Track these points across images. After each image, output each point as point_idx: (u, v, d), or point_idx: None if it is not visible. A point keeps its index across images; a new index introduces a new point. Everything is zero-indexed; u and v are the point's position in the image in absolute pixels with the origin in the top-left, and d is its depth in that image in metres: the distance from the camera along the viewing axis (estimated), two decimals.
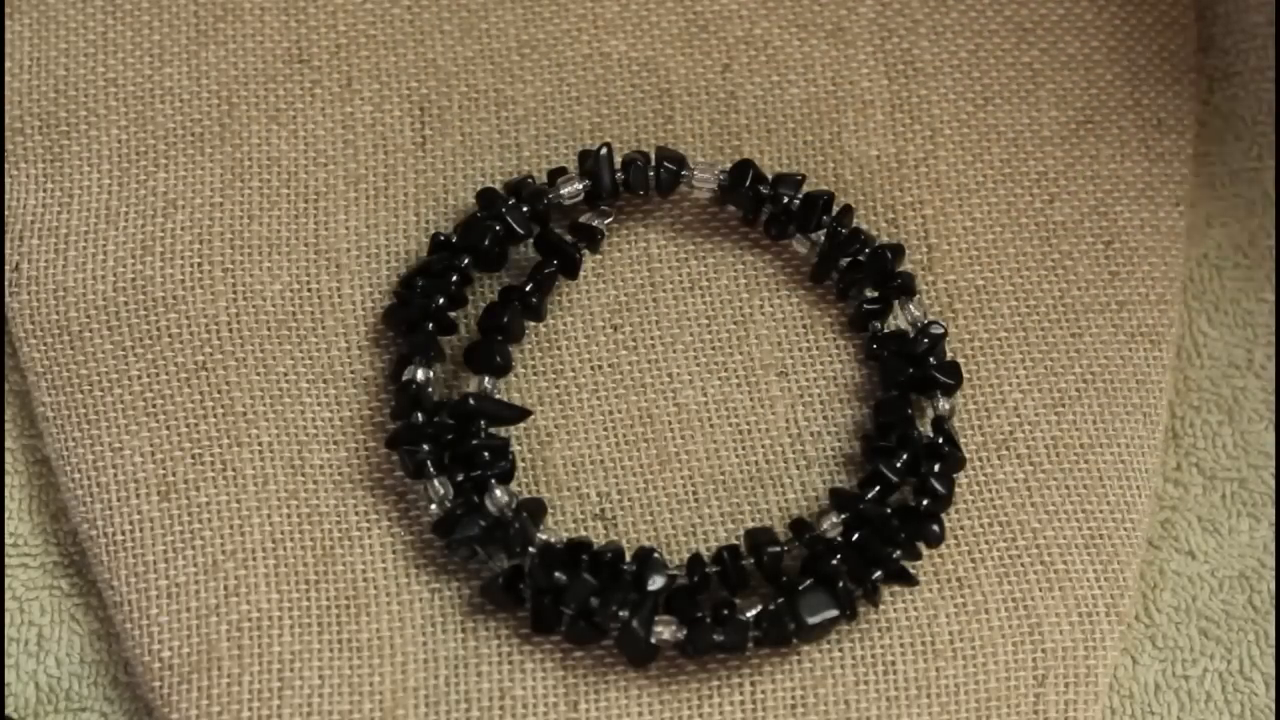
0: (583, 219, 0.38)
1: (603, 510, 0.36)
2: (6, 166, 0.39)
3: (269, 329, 0.38)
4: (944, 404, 0.36)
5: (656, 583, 0.34)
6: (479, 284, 0.38)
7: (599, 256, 0.38)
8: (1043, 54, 0.40)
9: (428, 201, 0.39)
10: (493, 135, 0.40)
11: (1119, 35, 0.40)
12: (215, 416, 0.37)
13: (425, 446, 0.35)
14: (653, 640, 0.34)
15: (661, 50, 0.40)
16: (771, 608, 0.34)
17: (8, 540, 0.37)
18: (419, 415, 0.35)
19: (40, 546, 0.37)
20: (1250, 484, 0.38)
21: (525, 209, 0.37)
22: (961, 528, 0.36)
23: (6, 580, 0.37)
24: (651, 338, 0.38)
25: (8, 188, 0.39)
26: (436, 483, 0.35)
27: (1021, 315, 0.38)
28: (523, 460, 0.37)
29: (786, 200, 0.37)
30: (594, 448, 0.37)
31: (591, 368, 0.38)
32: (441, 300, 0.36)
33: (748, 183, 0.37)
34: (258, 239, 0.38)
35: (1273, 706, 0.36)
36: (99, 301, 0.38)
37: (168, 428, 0.37)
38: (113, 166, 0.39)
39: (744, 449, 0.37)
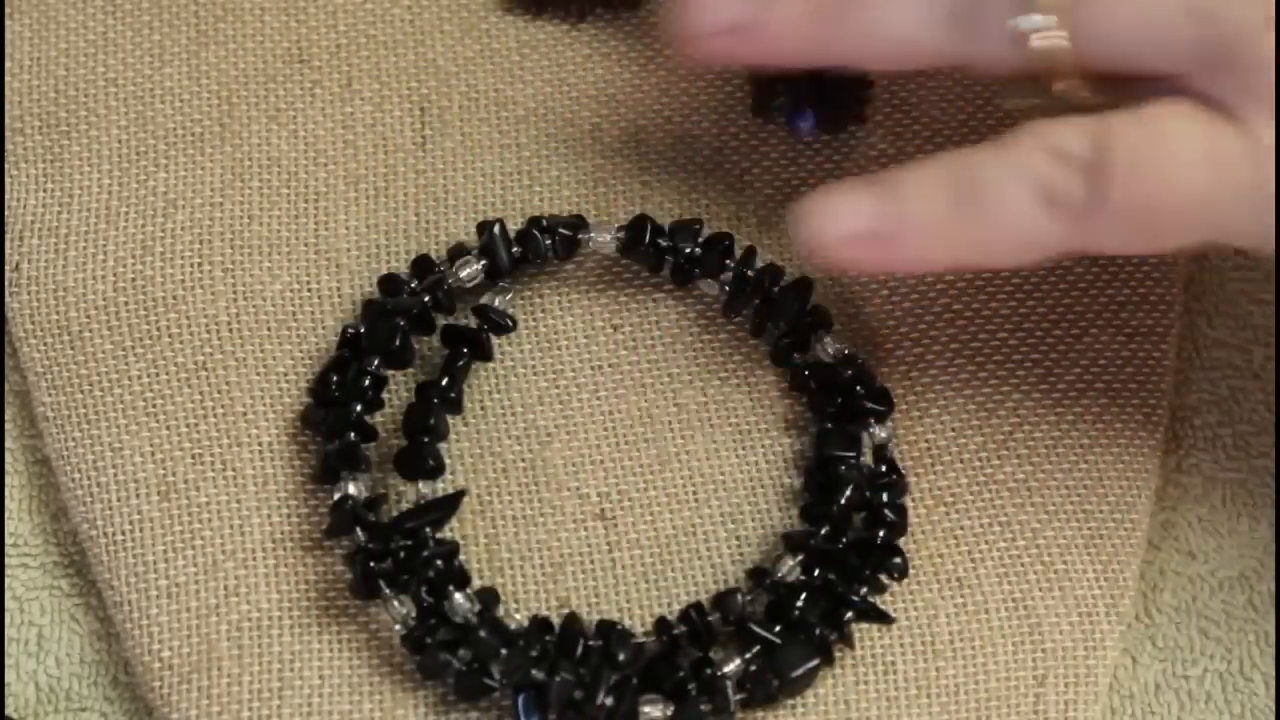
0: (484, 300, 0.37)
1: (603, 510, 0.36)
2: (6, 166, 0.39)
3: (269, 329, 0.38)
4: (879, 431, 0.36)
5: (623, 655, 0.34)
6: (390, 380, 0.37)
7: (599, 256, 0.38)
8: None
9: (428, 201, 0.39)
10: (493, 135, 0.40)
11: None
12: (215, 416, 0.37)
13: (373, 565, 0.34)
14: None
15: (662, 50, 0.40)
16: (752, 668, 0.34)
17: (8, 540, 0.37)
18: (360, 534, 0.35)
19: (40, 546, 0.37)
20: (1250, 484, 0.38)
21: (427, 299, 0.37)
22: (961, 528, 0.36)
23: (6, 580, 0.37)
24: (652, 338, 0.38)
25: (8, 187, 0.39)
26: (396, 603, 0.34)
27: (1021, 316, 0.38)
28: (523, 460, 0.37)
29: (688, 250, 0.37)
30: (594, 448, 0.37)
31: (591, 368, 0.38)
32: (359, 407, 0.36)
33: (646, 239, 0.37)
34: (258, 239, 0.38)
35: (1273, 706, 0.36)
36: (99, 301, 0.38)
37: (168, 427, 0.37)
38: (113, 166, 0.39)
39: (744, 449, 0.37)
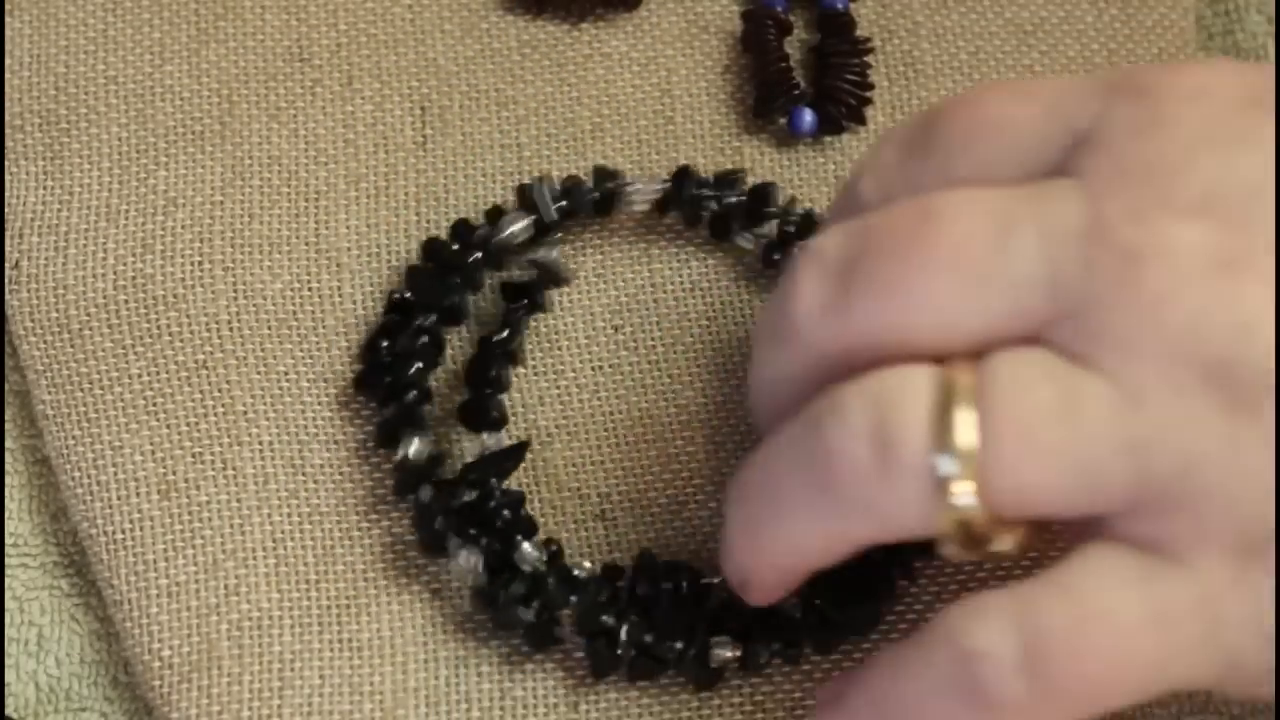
0: (535, 256, 0.37)
1: (603, 511, 0.36)
2: (6, 164, 0.39)
3: (269, 328, 0.38)
4: None
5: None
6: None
7: (600, 257, 0.38)
8: (1043, 56, 0.40)
9: (428, 201, 0.39)
10: (493, 135, 0.40)
11: (1119, 38, 0.41)
12: (215, 415, 0.37)
13: (439, 520, 0.34)
14: (714, 665, 0.34)
15: (662, 51, 0.40)
16: (817, 604, 0.34)
17: (8, 540, 0.37)
18: (426, 491, 0.35)
19: (40, 546, 0.37)
20: None
21: (479, 254, 0.37)
22: None
23: (6, 580, 0.37)
24: (652, 338, 0.38)
25: (8, 185, 0.39)
26: (464, 554, 0.34)
27: None
28: (523, 461, 0.37)
29: (731, 200, 0.37)
30: (594, 448, 0.37)
31: (592, 368, 0.38)
32: (419, 365, 0.36)
33: (687, 191, 0.37)
34: (258, 238, 0.38)
35: (1273, 708, 0.36)
36: (99, 299, 0.38)
37: (168, 426, 0.37)
38: (113, 164, 0.39)
39: (744, 449, 0.37)
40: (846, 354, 0.28)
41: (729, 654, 0.34)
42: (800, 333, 0.28)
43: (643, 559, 0.35)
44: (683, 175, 0.37)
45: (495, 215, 0.37)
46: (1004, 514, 0.27)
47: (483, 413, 0.35)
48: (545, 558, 0.34)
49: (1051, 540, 0.29)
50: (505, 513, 0.34)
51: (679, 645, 0.34)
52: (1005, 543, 0.27)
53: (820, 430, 0.28)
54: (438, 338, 0.36)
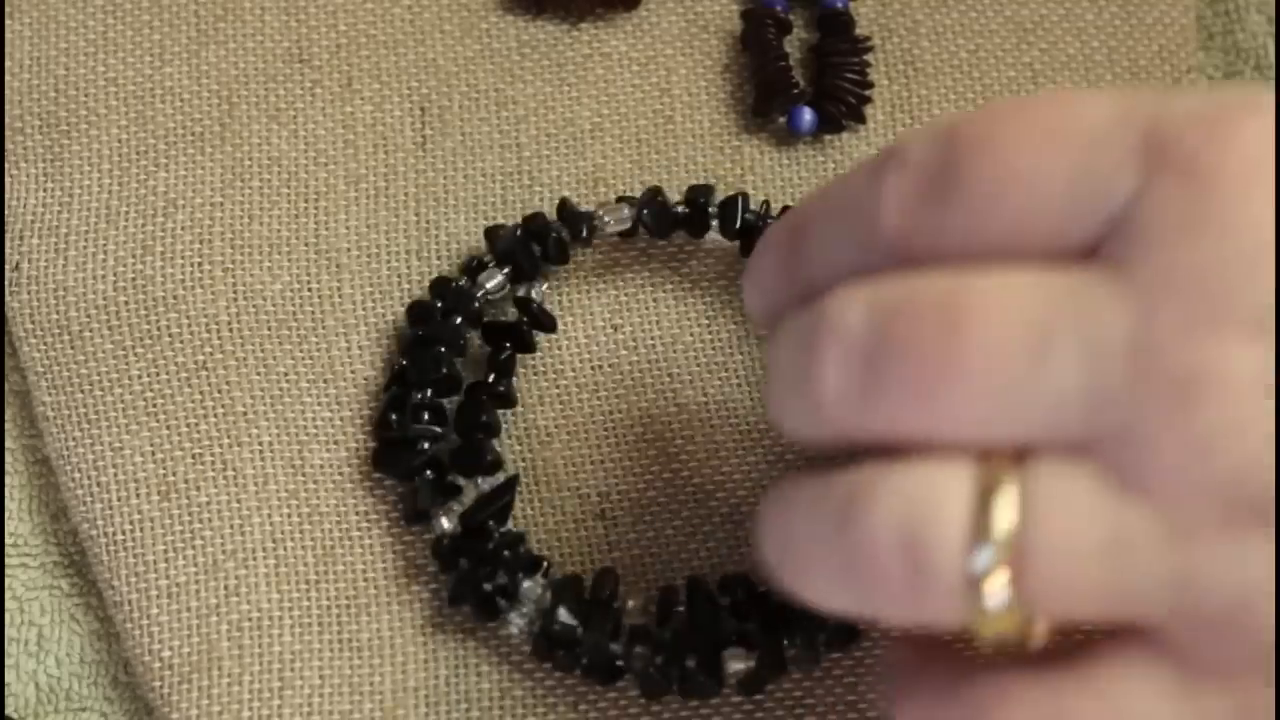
0: (519, 294, 0.37)
1: (603, 510, 0.36)
2: (6, 166, 0.39)
3: (269, 329, 0.38)
4: None
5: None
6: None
7: (599, 256, 0.38)
8: (1042, 54, 0.40)
9: (428, 201, 0.39)
10: (493, 135, 0.40)
11: (1119, 35, 0.40)
12: (215, 416, 0.37)
13: (487, 587, 0.34)
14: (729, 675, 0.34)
15: (662, 50, 0.40)
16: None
17: (8, 540, 0.37)
18: (465, 563, 0.35)
19: (40, 546, 0.37)
20: None
21: (459, 319, 0.36)
22: None
23: (6, 580, 0.37)
24: (652, 338, 0.38)
25: (8, 187, 0.39)
26: (516, 615, 0.35)
27: None
28: (523, 460, 0.37)
29: (703, 202, 0.37)
30: (594, 448, 0.37)
31: (592, 368, 0.38)
32: (427, 445, 0.36)
33: (657, 207, 0.37)
34: (258, 239, 0.38)
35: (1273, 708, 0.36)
36: (99, 301, 0.38)
37: (168, 427, 0.37)
38: (113, 166, 0.39)
39: (743, 449, 0.37)
40: (872, 437, 0.26)
41: (741, 665, 0.34)
42: (823, 411, 0.27)
43: (665, 592, 0.35)
44: (651, 200, 0.37)
45: (471, 266, 0.37)
46: (1037, 618, 0.26)
47: (476, 458, 0.35)
48: (550, 594, 0.34)
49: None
50: (506, 553, 0.34)
51: (690, 664, 0.34)
52: (1038, 640, 0.26)
53: (846, 520, 0.26)
54: (439, 409, 0.36)
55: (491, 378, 0.36)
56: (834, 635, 0.34)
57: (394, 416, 0.36)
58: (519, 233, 0.37)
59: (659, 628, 0.34)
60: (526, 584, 0.34)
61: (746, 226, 0.37)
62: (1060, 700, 0.26)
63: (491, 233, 0.37)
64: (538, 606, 0.34)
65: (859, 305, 0.26)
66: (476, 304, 0.36)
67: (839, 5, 0.40)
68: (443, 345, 0.36)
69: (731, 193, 0.37)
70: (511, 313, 0.37)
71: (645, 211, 0.37)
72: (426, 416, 0.36)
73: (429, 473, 0.35)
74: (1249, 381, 0.24)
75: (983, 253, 0.26)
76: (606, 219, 0.37)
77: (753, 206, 0.37)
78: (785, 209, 0.38)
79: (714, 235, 0.38)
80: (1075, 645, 0.26)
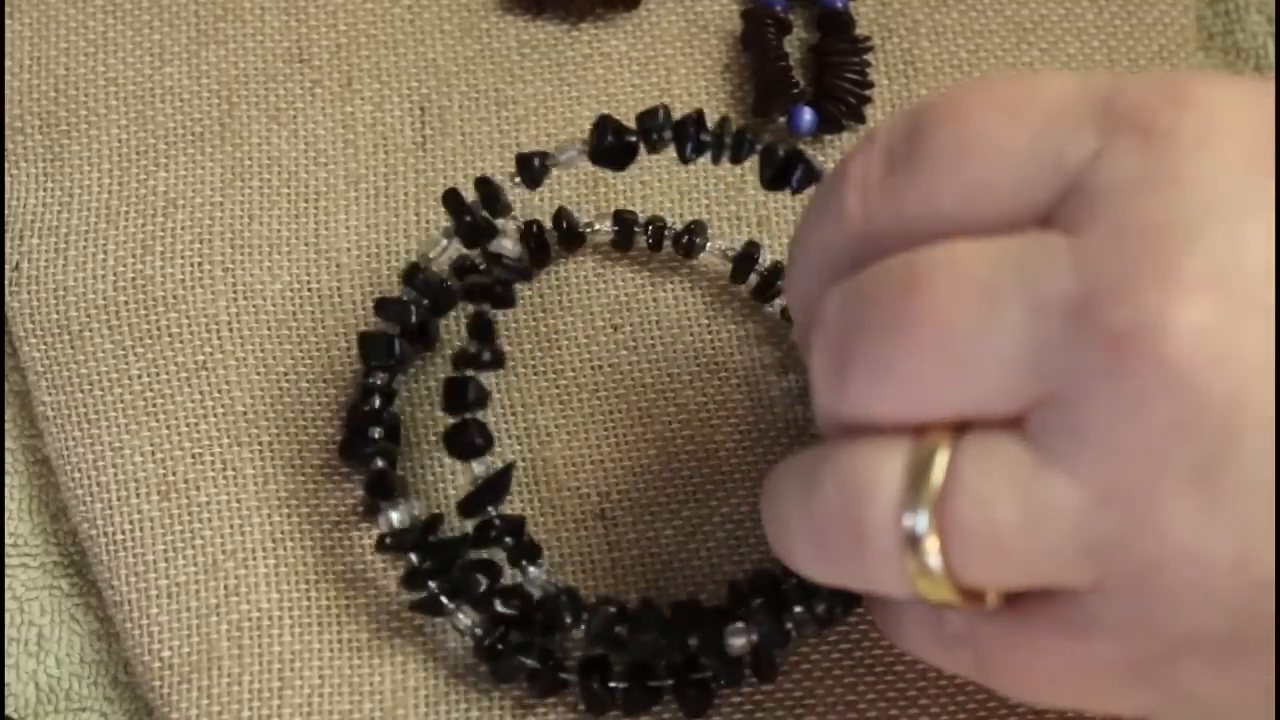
0: (491, 248, 0.35)
1: (603, 510, 0.36)
2: (6, 165, 0.39)
3: (269, 328, 0.38)
4: None
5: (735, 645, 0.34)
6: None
7: (599, 256, 0.38)
8: (1042, 54, 0.40)
9: (428, 201, 0.39)
10: (493, 135, 0.40)
11: (1118, 36, 0.41)
12: (216, 416, 0.37)
13: (433, 585, 0.34)
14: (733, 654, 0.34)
15: (662, 50, 0.40)
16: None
17: (8, 540, 0.37)
18: (414, 557, 0.34)
19: (40, 546, 0.37)
20: None
21: (425, 302, 0.36)
22: None
23: (6, 580, 0.37)
24: (652, 338, 0.38)
25: (8, 187, 0.39)
26: (460, 615, 0.34)
27: None
28: (523, 460, 0.37)
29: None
30: (594, 448, 0.37)
31: (592, 368, 0.38)
32: (377, 431, 0.35)
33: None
34: (258, 238, 0.38)
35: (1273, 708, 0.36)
36: (99, 301, 0.38)
37: (168, 427, 0.37)
38: (113, 166, 0.39)
39: (743, 449, 0.37)
40: (850, 423, 0.27)
41: (741, 641, 0.34)
42: (819, 408, 0.28)
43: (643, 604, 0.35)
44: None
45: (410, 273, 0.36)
46: (969, 589, 0.27)
47: (466, 439, 0.34)
48: (554, 582, 0.34)
49: None
50: (508, 539, 0.34)
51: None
52: (988, 602, 0.27)
53: (809, 495, 0.28)
54: (388, 392, 0.36)
55: (475, 345, 0.34)
56: (831, 601, 0.34)
57: (358, 408, 0.36)
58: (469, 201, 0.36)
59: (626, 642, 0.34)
60: (531, 570, 0.34)
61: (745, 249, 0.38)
62: (975, 630, 0.27)
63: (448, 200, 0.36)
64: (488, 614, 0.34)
65: (835, 298, 0.27)
66: (442, 284, 0.36)
67: (839, 5, 0.40)
68: (399, 332, 0.36)
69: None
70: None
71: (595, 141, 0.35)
72: (377, 402, 0.35)
73: (379, 462, 0.35)
74: (1188, 338, 0.23)
75: (942, 228, 0.27)
76: (560, 157, 0.35)
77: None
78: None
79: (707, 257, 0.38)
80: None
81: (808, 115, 0.39)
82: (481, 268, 0.35)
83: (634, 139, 0.34)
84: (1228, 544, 0.24)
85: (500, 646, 0.34)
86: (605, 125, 0.34)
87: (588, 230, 0.38)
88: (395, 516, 0.35)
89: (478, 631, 0.34)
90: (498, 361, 0.34)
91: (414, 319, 0.36)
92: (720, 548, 0.36)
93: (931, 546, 0.26)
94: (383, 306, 0.36)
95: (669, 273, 0.38)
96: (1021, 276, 0.25)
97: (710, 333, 0.38)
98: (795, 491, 0.28)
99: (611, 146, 0.34)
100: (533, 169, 0.35)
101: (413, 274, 0.36)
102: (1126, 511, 0.24)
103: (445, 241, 0.36)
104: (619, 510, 0.36)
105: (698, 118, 0.34)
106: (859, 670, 0.35)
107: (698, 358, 0.38)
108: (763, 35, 0.40)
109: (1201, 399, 0.24)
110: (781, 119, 0.40)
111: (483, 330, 0.34)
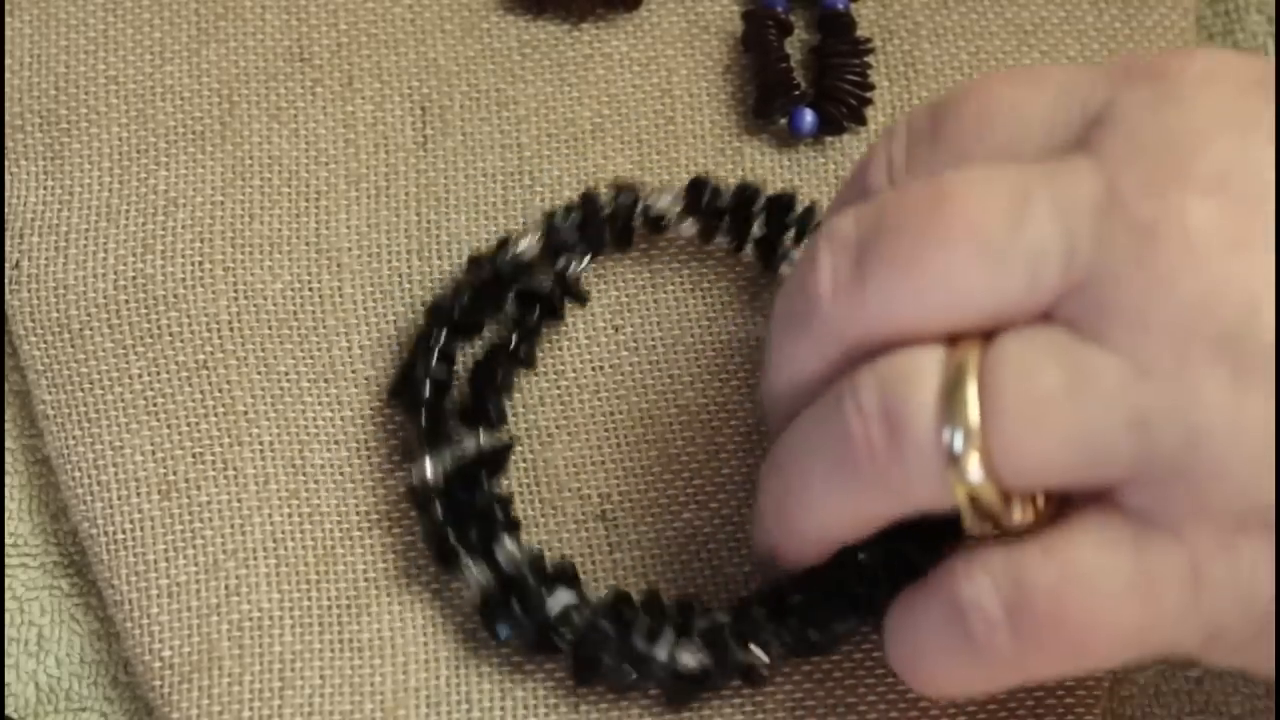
0: (558, 268, 0.37)
1: (603, 511, 0.36)
2: (7, 164, 0.39)
3: (270, 328, 0.38)
4: None
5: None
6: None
7: (600, 257, 0.38)
8: (1043, 56, 0.40)
9: (428, 201, 0.39)
10: (493, 135, 0.40)
11: (1119, 38, 0.41)
12: (216, 415, 0.37)
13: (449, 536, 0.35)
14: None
15: (662, 51, 0.40)
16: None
17: (8, 540, 0.37)
18: (438, 508, 0.35)
19: (40, 546, 0.37)
20: None
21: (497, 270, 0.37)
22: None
23: (6, 580, 0.37)
24: (653, 338, 0.38)
25: (8, 185, 0.39)
26: (472, 569, 0.34)
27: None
28: (523, 461, 0.37)
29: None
30: (595, 448, 0.37)
31: (593, 368, 0.38)
32: (428, 386, 0.36)
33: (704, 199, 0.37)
34: (259, 238, 0.38)
35: (1272, 708, 0.36)
36: (99, 299, 0.38)
37: (168, 426, 0.37)
38: (113, 164, 0.39)
39: (744, 450, 0.37)
40: (865, 335, 0.28)
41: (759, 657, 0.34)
42: (819, 314, 0.29)
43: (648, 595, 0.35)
44: (699, 188, 0.37)
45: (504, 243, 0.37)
46: (1013, 488, 0.28)
47: (480, 410, 0.35)
48: (526, 559, 0.34)
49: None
50: (496, 509, 0.34)
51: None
52: (1021, 515, 0.28)
53: (838, 411, 0.28)
54: (448, 356, 0.36)
55: (515, 340, 0.36)
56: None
57: (423, 349, 0.36)
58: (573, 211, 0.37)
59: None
60: (507, 542, 0.34)
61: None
62: (1018, 561, 0.28)
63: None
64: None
65: (849, 214, 0.29)
66: (511, 258, 0.37)
67: (840, 6, 0.40)
68: (472, 290, 0.36)
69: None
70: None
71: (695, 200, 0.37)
72: (439, 355, 0.36)
73: (425, 412, 0.35)
74: (1205, 229, 0.26)
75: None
76: (655, 204, 0.37)
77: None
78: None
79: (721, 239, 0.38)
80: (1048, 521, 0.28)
81: (808, 117, 0.39)
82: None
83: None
84: (1260, 407, 0.26)
85: (499, 601, 0.34)
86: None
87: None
88: (429, 465, 0.35)
89: (484, 583, 0.34)
90: (530, 361, 0.36)
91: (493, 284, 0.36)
92: (721, 549, 0.36)
93: (971, 443, 0.27)
94: (474, 265, 0.36)
95: (670, 273, 0.38)
96: (1050, 183, 0.27)
97: (711, 334, 0.38)
98: (814, 422, 0.29)
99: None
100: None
101: (501, 250, 0.37)
102: (1163, 381, 0.26)
103: (533, 242, 0.37)
104: (620, 511, 0.36)
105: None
106: (859, 672, 0.35)
107: (699, 359, 0.38)
108: (764, 36, 0.40)
109: (1221, 276, 0.26)
110: (782, 120, 0.40)
111: (527, 332, 0.36)
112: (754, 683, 0.34)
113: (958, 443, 0.27)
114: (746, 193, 0.37)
